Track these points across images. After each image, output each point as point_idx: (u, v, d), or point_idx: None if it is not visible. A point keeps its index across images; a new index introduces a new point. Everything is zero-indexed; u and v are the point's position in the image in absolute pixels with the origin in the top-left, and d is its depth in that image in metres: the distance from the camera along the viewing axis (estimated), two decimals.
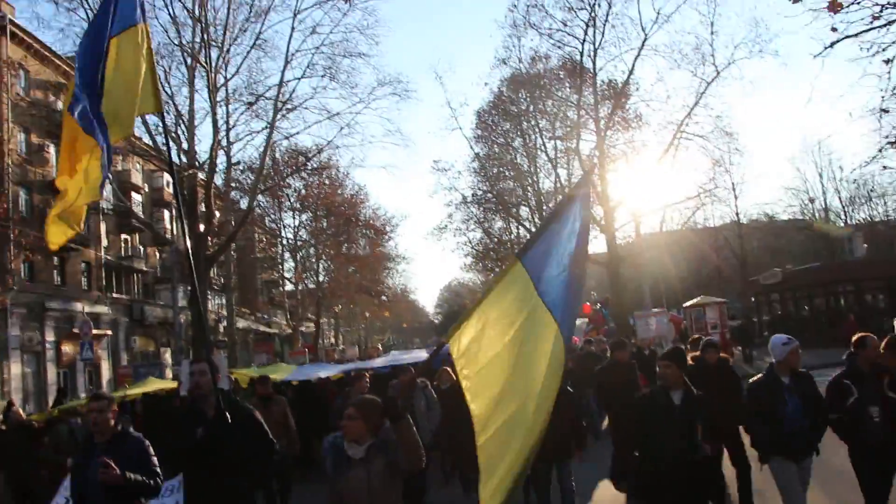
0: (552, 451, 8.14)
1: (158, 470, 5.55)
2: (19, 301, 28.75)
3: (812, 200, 45.30)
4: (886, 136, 12.05)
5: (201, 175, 26.50)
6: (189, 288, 29.30)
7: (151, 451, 5.59)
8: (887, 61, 10.42)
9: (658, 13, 28.36)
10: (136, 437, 5.68)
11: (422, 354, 16.30)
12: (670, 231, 36.96)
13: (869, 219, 48.23)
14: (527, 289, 4.26)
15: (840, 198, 46.54)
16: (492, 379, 4.11)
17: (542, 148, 35.57)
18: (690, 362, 7.60)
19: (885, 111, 11.40)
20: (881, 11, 10.10)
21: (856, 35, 10.58)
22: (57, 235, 5.38)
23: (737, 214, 38.24)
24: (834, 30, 10.39)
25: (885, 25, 10.24)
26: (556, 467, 8.57)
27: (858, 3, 10.16)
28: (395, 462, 4.35)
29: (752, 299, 37.97)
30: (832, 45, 10.64)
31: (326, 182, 39.14)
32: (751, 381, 6.67)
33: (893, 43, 10.43)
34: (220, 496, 5.51)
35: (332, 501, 4.49)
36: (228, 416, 5.52)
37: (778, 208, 49.26)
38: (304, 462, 11.74)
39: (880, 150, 12.38)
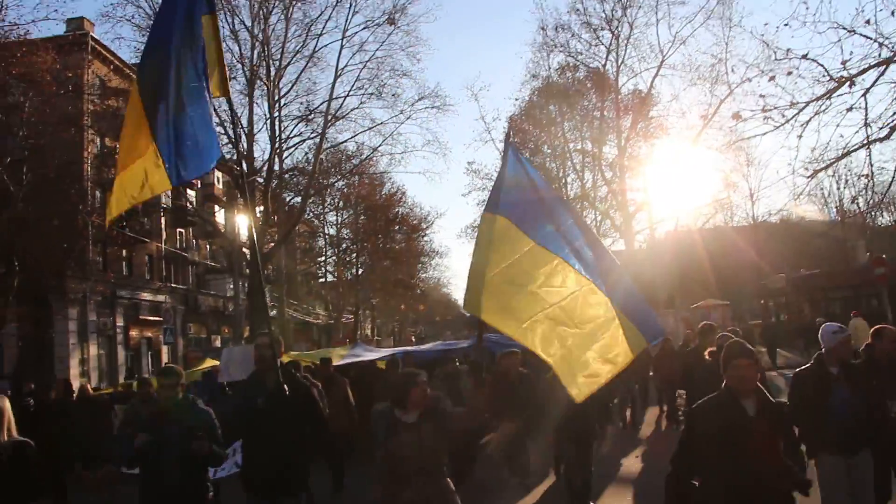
0: (576, 432, 8.69)
1: (221, 441, 5.80)
2: (95, 290, 31.65)
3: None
4: None
5: (259, 179, 29.37)
6: (245, 281, 31.99)
7: (217, 422, 5.81)
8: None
9: (675, 36, 30.65)
10: (203, 408, 5.92)
11: (463, 344, 17.46)
12: (688, 231, 38.78)
13: (892, 224, 48.93)
14: (518, 235, 4.69)
15: (858, 204, 47.01)
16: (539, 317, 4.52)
17: (569, 154, 38.03)
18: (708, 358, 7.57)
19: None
20: None
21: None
22: (116, 209, 5.40)
23: (753, 219, 40.18)
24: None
25: None
26: (580, 446, 8.81)
27: None
28: (443, 426, 4.71)
29: (762, 302, 39.77)
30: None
31: (366, 182, 41.21)
32: (797, 370, 6.19)
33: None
34: (276, 466, 5.73)
35: (384, 462, 4.72)
36: (286, 388, 5.72)
37: (802, 211, 50.10)
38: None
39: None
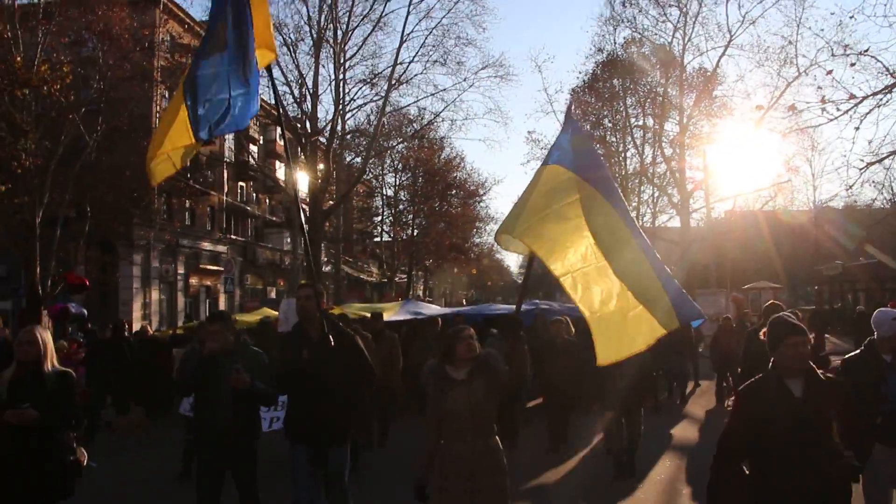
0: (621, 401, 8.98)
1: (273, 383, 5.95)
2: (159, 238, 32.78)
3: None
4: None
5: (321, 139, 29.93)
6: (302, 236, 32.65)
7: (268, 364, 6.03)
8: None
9: (744, 17, 30.07)
10: (255, 350, 6.11)
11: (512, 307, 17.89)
12: (746, 212, 38.42)
13: None
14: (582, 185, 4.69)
15: None
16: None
17: (630, 129, 37.77)
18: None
19: None
20: None
21: None
22: (161, 174, 5.45)
23: (813, 204, 39.62)
24: None
25: None
26: (627, 415, 9.05)
27: None
28: (493, 382, 4.70)
29: (816, 288, 39.23)
30: None
31: (426, 146, 41.55)
32: (846, 357, 6.02)
33: None
34: (321, 417, 5.73)
35: (434, 418, 4.76)
36: (332, 339, 5.70)
37: (868, 196, 48.77)
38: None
39: None
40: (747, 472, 4.18)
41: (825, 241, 39.75)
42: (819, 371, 4.21)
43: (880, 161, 12.51)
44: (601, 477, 9.06)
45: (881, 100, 10.97)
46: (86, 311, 22.76)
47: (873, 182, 40.08)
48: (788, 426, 3.90)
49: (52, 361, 5.16)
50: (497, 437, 4.78)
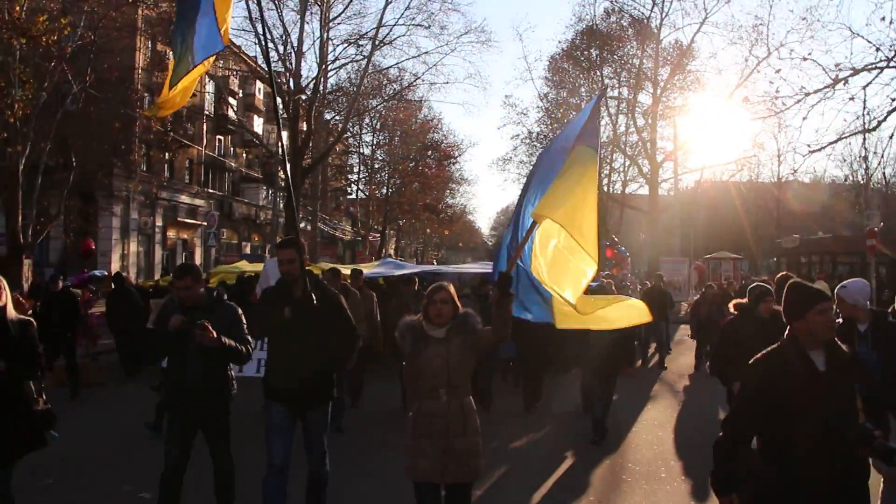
0: (602, 367, 9.23)
1: (249, 338, 5.81)
2: (138, 190, 33.06)
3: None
4: None
5: (303, 97, 30.30)
6: (281, 192, 33.19)
7: (244, 319, 5.84)
8: None
9: None
10: (229, 304, 5.91)
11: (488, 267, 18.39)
12: (711, 184, 39.59)
13: None
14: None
15: (884, 174, 46.36)
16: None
17: (605, 99, 38.44)
18: (734, 311, 7.35)
19: None
20: None
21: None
22: (166, 109, 5.76)
23: (778, 178, 40.77)
24: None
25: None
26: (604, 379, 9.35)
27: None
28: (471, 341, 4.68)
29: (774, 260, 40.63)
30: None
31: (404, 107, 41.69)
32: None
33: None
34: (304, 375, 5.61)
35: (411, 375, 4.77)
36: (314, 297, 5.60)
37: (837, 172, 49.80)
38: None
39: None
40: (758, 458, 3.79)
41: (786, 214, 40.97)
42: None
43: (821, 149, 13.53)
44: (577, 438, 9.36)
45: (825, 94, 11.87)
46: (105, 272, 23.43)
47: (843, 159, 41.24)
48: (814, 403, 3.52)
49: (12, 309, 5.02)
50: (471, 397, 4.77)
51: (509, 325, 4.54)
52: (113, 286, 15.07)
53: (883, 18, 11.26)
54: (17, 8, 17.95)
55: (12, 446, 4.90)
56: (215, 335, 5.35)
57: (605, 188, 40.02)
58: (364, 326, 8.78)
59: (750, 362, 3.88)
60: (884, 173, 43.63)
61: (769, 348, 3.84)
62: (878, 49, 11.19)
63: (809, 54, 11.90)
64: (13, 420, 4.87)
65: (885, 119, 11.82)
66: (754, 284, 7.38)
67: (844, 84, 10.98)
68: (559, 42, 55.20)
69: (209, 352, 5.44)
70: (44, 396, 5.19)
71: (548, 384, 11.70)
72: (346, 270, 13.46)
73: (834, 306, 3.84)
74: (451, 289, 4.84)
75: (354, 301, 9.13)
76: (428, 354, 4.61)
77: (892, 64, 10.53)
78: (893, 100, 10.98)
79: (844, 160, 41.15)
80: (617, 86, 37.84)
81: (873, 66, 10.63)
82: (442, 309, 4.67)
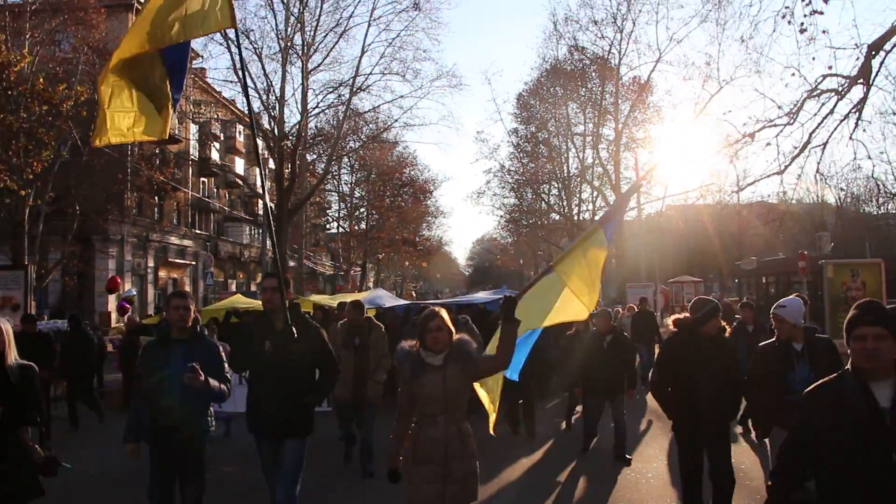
0: (605, 388, 9.42)
1: (228, 377, 5.70)
2: (131, 233, 34.62)
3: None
4: None
5: (287, 143, 32.04)
6: (262, 230, 34.67)
7: (224, 357, 5.76)
8: None
9: (671, 38, 33.40)
10: (210, 341, 5.84)
11: (479, 296, 19.03)
12: (676, 205, 41.58)
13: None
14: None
15: (838, 198, 48.10)
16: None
17: (570, 134, 40.86)
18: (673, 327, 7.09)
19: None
20: None
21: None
22: (105, 137, 5.28)
23: (739, 203, 42.69)
24: None
25: None
26: (610, 402, 9.53)
27: None
28: (468, 368, 4.70)
29: (736, 281, 42.68)
30: None
31: (380, 147, 43.36)
32: (761, 344, 6.04)
33: None
34: (283, 409, 5.66)
35: (406, 402, 4.73)
36: (295, 330, 5.64)
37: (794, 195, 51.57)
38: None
39: None
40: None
41: (746, 237, 42.91)
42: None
43: (744, 188, 15.54)
44: (566, 458, 9.60)
45: (745, 142, 13.65)
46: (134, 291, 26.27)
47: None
48: (870, 443, 3.06)
49: (14, 354, 4.82)
50: (467, 423, 4.76)
51: (512, 349, 4.65)
52: (68, 328, 14.37)
53: (794, 74, 13.06)
54: (41, 80, 19.72)
55: (6, 494, 4.69)
56: (203, 378, 5.28)
57: (576, 217, 42.19)
58: (388, 361, 8.77)
59: (806, 392, 3.44)
60: (837, 197, 45.83)
61: (831, 376, 3.38)
62: (779, 107, 12.75)
63: (727, 112, 13.75)
64: (12, 467, 4.68)
65: (790, 164, 13.16)
66: (696, 298, 6.66)
67: (752, 139, 12.85)
68: (525, 83, 57.94)
69: (189, 388, 5.31)
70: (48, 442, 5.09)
71: (538, 410, 11.94)
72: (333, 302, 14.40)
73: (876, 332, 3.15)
74: (444, 314, 4.82)
75: (378, 334, 9.15)
76: (425, 381, 4.61)
77: (790, 122, 12.30)
78: (795, 147, 12.73)
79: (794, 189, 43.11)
80: (583, 122, 40.16)
81: (772, 123, 12.43)
82: (437, 336, 4.67)
